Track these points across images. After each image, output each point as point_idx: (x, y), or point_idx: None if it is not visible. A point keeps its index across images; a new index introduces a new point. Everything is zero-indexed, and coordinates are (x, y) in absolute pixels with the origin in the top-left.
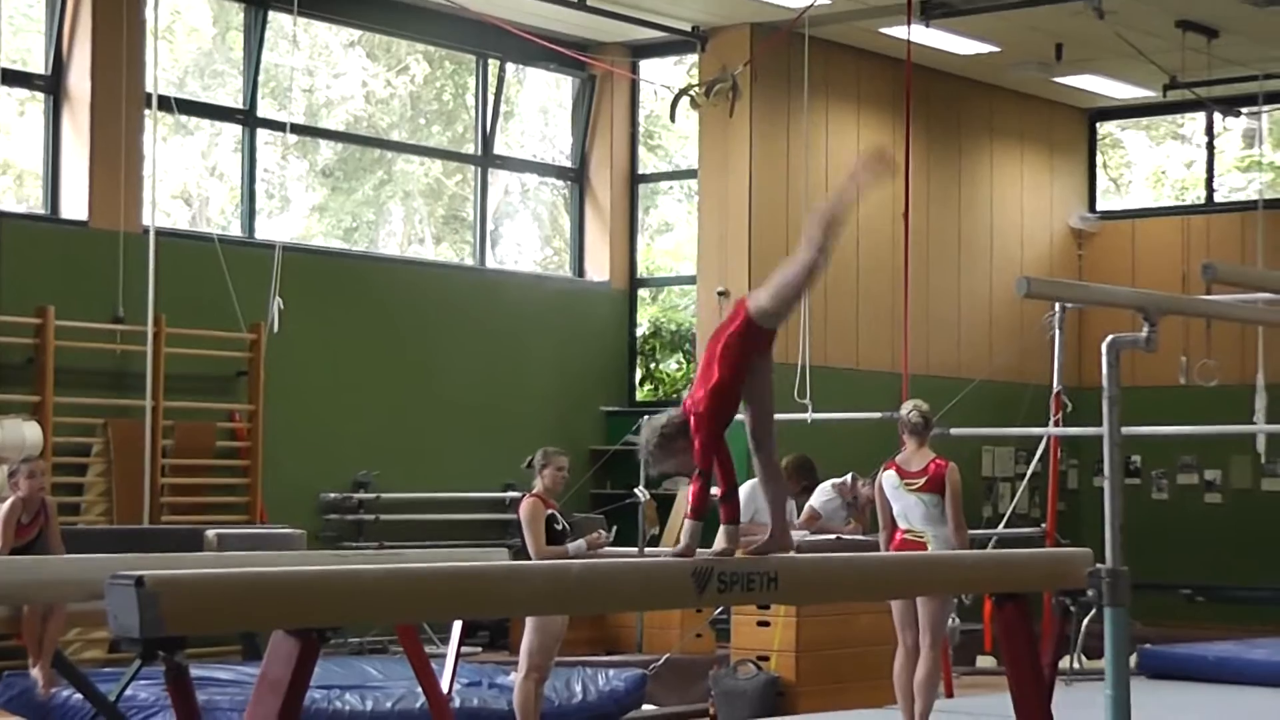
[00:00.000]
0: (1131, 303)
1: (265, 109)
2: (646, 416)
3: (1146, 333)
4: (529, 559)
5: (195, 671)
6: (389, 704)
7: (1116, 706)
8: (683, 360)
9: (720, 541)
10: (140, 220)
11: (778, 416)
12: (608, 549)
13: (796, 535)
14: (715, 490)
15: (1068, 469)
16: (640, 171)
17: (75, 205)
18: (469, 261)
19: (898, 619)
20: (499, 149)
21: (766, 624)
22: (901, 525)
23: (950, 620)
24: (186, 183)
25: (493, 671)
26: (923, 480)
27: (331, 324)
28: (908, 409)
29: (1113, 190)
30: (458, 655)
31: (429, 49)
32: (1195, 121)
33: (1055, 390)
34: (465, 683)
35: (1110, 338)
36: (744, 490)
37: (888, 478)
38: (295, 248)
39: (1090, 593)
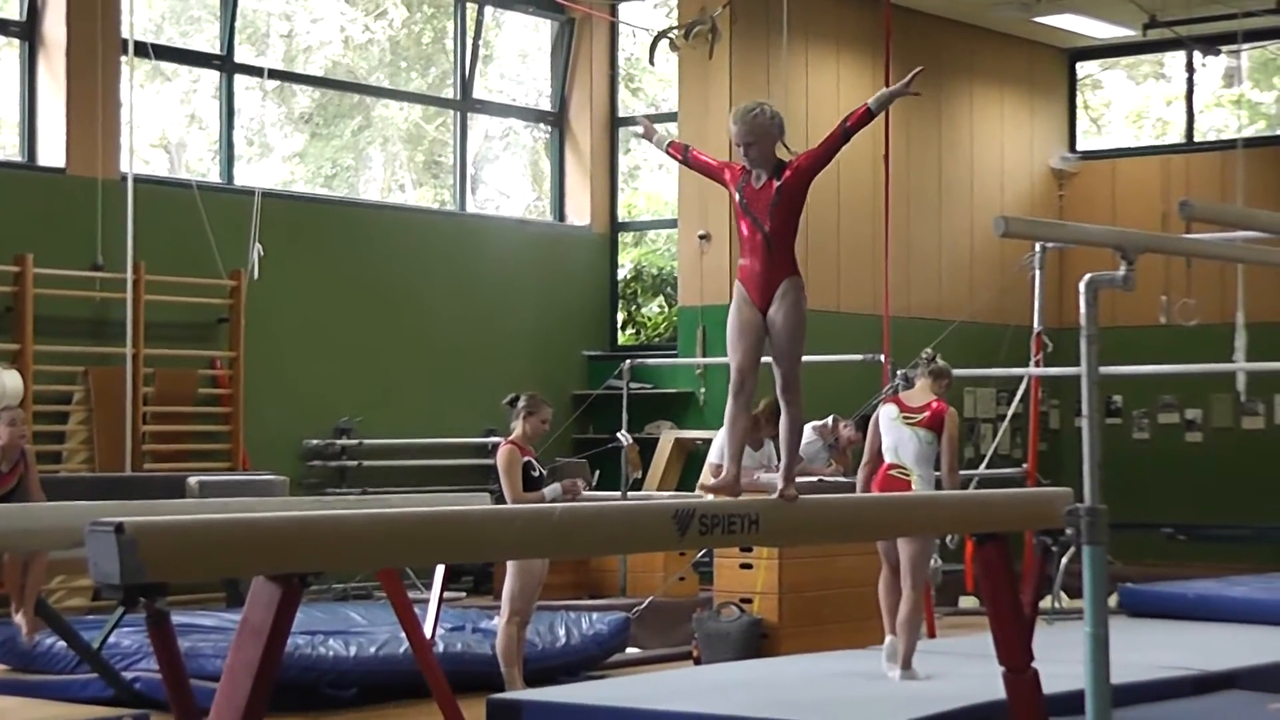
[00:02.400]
0: (1109, 241)
1: (243, 55)
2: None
3: (1125, 271)
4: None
5: (178, 618)
6: (372, 649)
7: (1095, 644)
8: (664, 304)
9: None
10: (118, 167)
11: (762, 359)
12: (590, 494)
13: (767, 477)
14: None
15: (1049, 409)
16: (620, 115)
17: (52, 152)
18: (449, 206)
19: (881, 546)
20: (478, 93)
21: (749, 566)
22: (889, 459)
23: (933, 561)
24: (164, 129)
25: (476, 616)
26: (922, 416)
27: (312, 270)
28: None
29: (1093, 130)
30: (441, 600)
31: None
32: (1175, 60)
33: (1036, 331)
34: (449, 627)
35: (1088, 276)
36: (722, 433)
37: (886, 410)
38: (275, 194)
39: (1069, 532)
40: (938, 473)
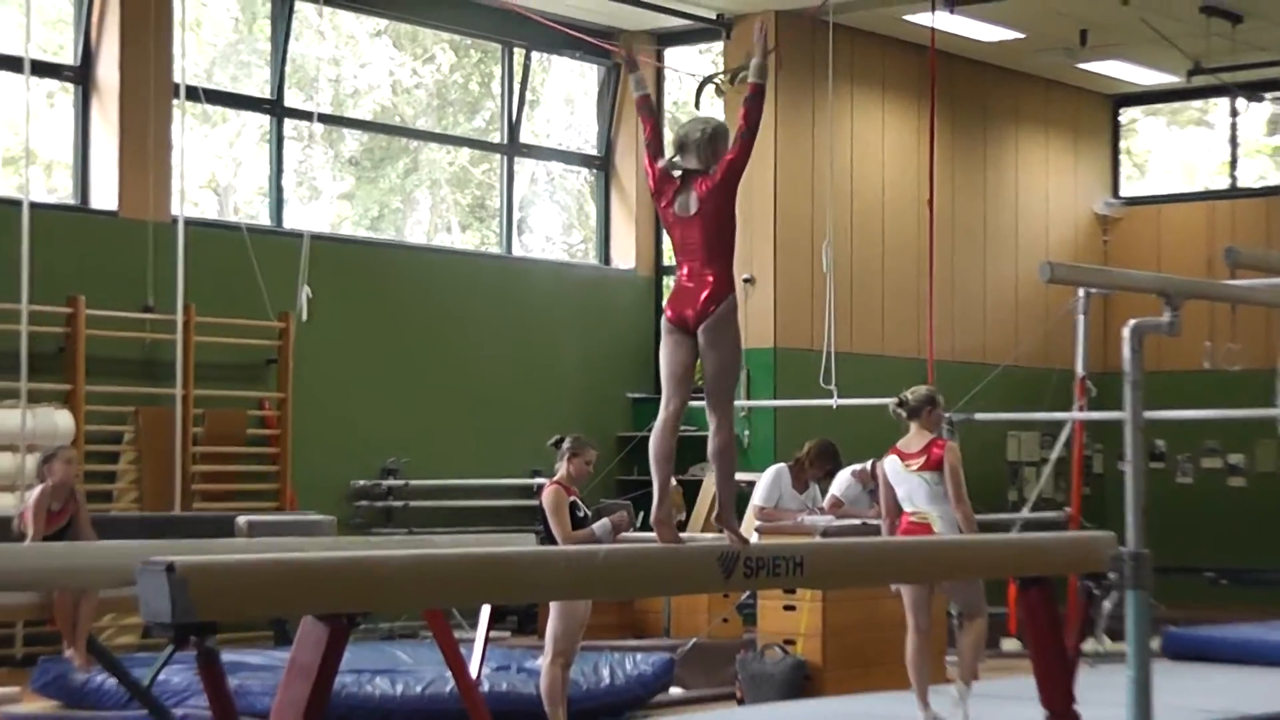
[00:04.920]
0: (1153, 287)
1: (292, 99)
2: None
3: (1169, 317)
4: (553, 545)
5: (227, 656)
6: (419, 688)
7: (1138, 688)
8: None
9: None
10: (169, 210)
11: (806, 402)
12: (633, 534)
13: (822, 520)
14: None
15: (1092, 453)
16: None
17: (105, 195)
18: (495, 249)
19: (909, 602)
20: (525, 137)
21: (793, 608)
22: (907, 508)
23: None
24: (214, 172)
25: (521, 656)
26: (922, 460)
27: (360, 312)
28: (907, 395)
29: (1137, 176)
30: (486, 640)
31: (455, 38)
32: (1219, 107)
33: (1080, 375)
34: (494, 667)
35: (1133, 322)
36: (768, 475)
37: (890, 462)
38: (323, 236)
39: (1113, 576)
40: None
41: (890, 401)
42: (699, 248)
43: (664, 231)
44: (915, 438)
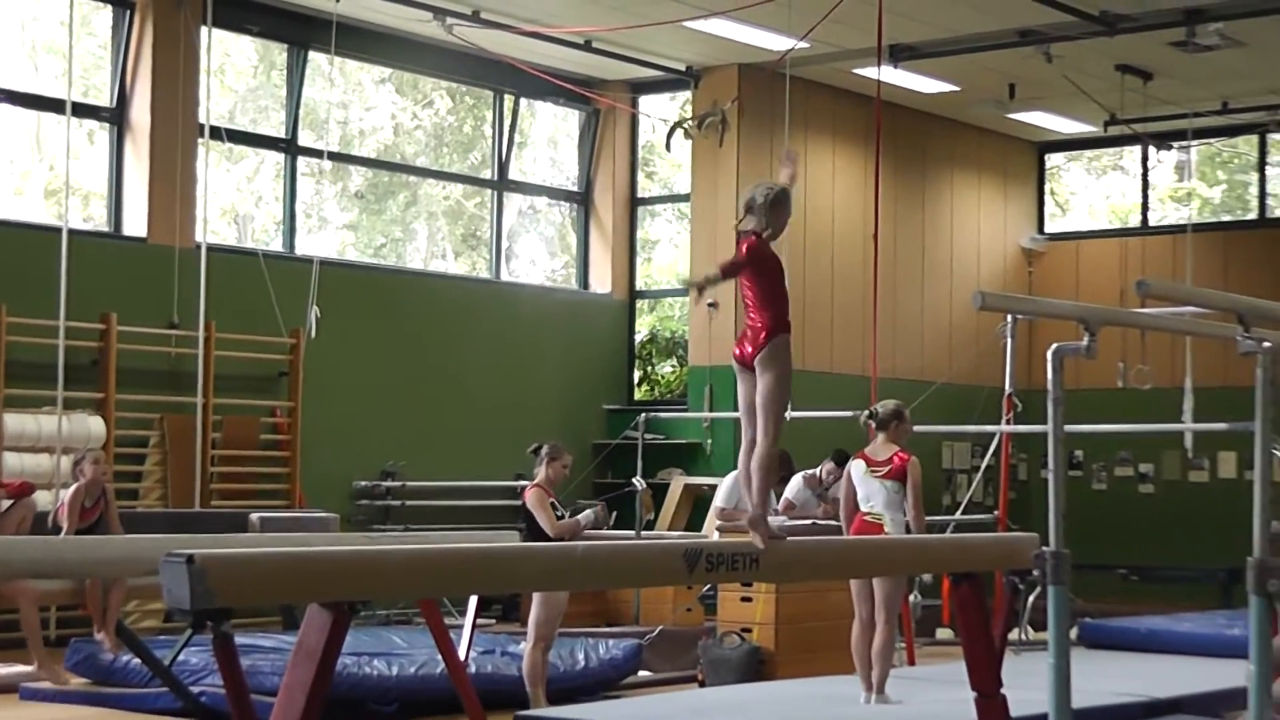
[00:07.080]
0: (1074, 315)
1: (305, 139)
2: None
3: (1087, 342)
4: (535, 540)
5: (240, 639)
6: (412, 669)
7: (1058, 674)
8: (676, 364)
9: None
10: (193, 237)
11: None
12: (607, 533)
13: (775, 521)
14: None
15: (1018, 462)
16: (639, 195)
17: (136, 223)
18: (485, 275)
19: (855, 593)
20: (513, 174)
21: (749, 599)
22: (864, 508)
23: (912, 596)
24: (235, 204)
25: (505, 641)
26: (886, 468)
27: (363, 330)
28: (876, 410)
29: (1059, 214)
30: (474, 626)
31: (451, 85)
32: (1132, 154)
33: (1007, 392)
34: (480, 651)
35: (1055, 346)
36: (728, 480)
37: (856, 466)
38: (331, 262)
39: (1036, 572)
40: (907, 518)
41: (861, 413)
42: (750, 297)
43: (635, 260)
44: (882, 447)
